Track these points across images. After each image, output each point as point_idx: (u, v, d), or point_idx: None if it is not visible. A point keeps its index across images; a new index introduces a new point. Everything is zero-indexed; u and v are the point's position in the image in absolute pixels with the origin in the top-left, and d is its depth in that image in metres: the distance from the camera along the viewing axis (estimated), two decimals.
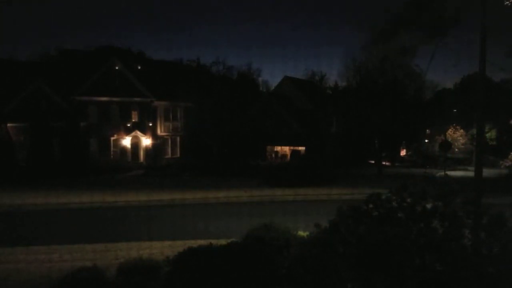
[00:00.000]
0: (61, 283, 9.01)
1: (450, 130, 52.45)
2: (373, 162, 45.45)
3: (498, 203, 9.07)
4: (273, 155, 47.89)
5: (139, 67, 43.80)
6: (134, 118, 40.67)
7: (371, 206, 7.26)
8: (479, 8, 8.09)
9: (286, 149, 47.86)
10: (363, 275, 6.58)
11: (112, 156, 39.54)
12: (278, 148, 48.82)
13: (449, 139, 45.21)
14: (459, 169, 43.59)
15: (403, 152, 58.63)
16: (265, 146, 47.16)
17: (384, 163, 43.71)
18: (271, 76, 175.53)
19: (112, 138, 40.00)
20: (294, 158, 44.09)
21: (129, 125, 40.31)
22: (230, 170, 34.17)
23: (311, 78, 61.74)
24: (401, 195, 7.13)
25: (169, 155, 42.65)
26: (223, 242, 10.16)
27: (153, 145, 41.21)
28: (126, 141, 40.29)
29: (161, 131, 42.31)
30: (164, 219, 18.98)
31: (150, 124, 40.96)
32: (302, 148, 45.66)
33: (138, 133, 40.49)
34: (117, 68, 39.53)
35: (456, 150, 50.91)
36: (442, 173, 30.13)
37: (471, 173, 31.26)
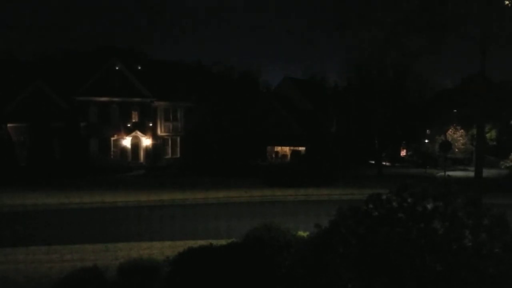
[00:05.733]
0: (61, 283, 8.98)
1: (450, 130, 52.44)
2: (373, 162, 45.44)
3: (498, 203, 9.08)
4: (273, 155, 47.90)
5: (139, 67, 43.85)
6: (134, 118, 40.70)
7: (371, 206, 7.25)
8: (480, 10, 8.09)
9: (286, 149, 47.87)
10: (363, 276, 6.58)
11: (112, 156, 39.56)
12: (278, 148, 48.85)
13: (449, 139, 45.19)
14: (459, 169, 43.61)
15: (403, 152, 58.62)
16: (265, 146, 47.15)
17: (384, 163, 43.73)
18: (271, 76, 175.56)
19: (112, 138, 40.03)
20: (294, 159, 44.09)
21: (129, 125, 40.33)
22: (230, 170, 34.17)
23: (312, 78, 61.75)
24: (401, 195, 7.12)
25: (169, 155, 42.67)
26: (223, 242, 10.15)
27: (153, 145, 41.22)
28: (126, 141, 40.31)
29: (161, 131, 42.33)
30: (164, 219, 18.97)
31: (150, 124, 40.99)
32: (302, 149, 45.67)
33: (138, 133, 40.50)
34: (117, 68, 39.55)
35: (456, 150, 50.90)
36: (443, 173, 30.15)
37: (471, 173, 31.38)
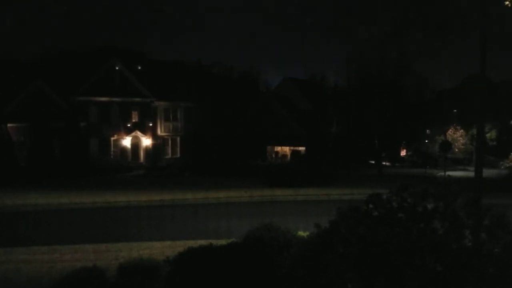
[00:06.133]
0: (62, 283, 9.00)
1: (450, 130, 52.45)
2: (373, 162, 45.44)
3: (498, 203, 9.08)
4: (273, 155, 47.91)
5: (139, 67, 43.81)
6: (134, 118, 40.70)
7: (371, 206, 7.24)
8: (480, 10, 8.07)
9: (286, 149, 47.90)
10: (363, 276, 6.58)
11: (112, 156, 39.55)
12: (278, 148, 48.86)
13: (449, 139, 45.19)
14: (459, 169, 43.62)
15: (403, 152, 58.64)
16: (265, 146, 47.17)
17: (384, 163, 43.73)
18: (271, 76, 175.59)
19: (112, 138, 40.03)
20: (294, 159, 44.11)
21: (129, 125, 40.33)
22: (230, 170, 34.16)
23: (312, 78, 61.79)
24: (401, 195, 7.12)
25: (169, 155, 42.67)
26: (223, 242, 10.16)
27: (153, 145, 41.22)
28: (126, 141, 40.31)
29: (161, 131, 42.33)
30: (165, 219, 18.98)
31: (150, 124, 40.98)
32: (302, 149, 45.67)
33: (138, 133, 40.51)
34: (117, 68, 39.55)
35: (456, 150, 50.91)
36: (443, 173, 30.16)
37: (471, 173, 31.32)
